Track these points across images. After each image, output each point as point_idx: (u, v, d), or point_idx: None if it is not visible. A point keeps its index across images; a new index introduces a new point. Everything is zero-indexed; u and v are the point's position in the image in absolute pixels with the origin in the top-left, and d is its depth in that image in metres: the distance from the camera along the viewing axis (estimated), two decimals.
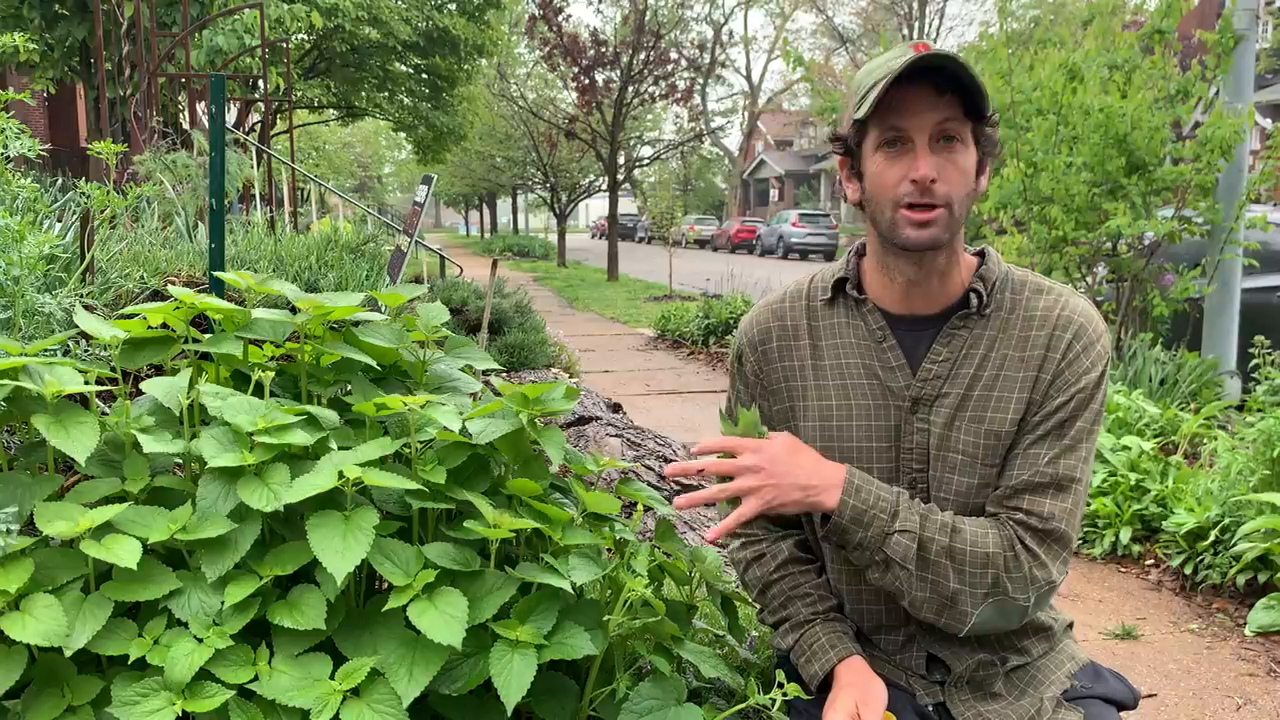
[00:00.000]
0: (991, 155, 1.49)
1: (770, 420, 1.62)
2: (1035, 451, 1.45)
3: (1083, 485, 1.46)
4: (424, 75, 21.63)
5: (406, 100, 22.16)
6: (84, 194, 2.25)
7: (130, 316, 1.68)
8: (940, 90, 1.39)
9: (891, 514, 1.43)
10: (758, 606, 1.69)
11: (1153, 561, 4.14)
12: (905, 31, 37.31)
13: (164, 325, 1.68)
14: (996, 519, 1.46)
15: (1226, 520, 3.83)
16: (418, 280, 7.40)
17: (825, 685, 1.52)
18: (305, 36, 16.96)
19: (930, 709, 1.54)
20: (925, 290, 1.51)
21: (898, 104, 1.40)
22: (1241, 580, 3.70)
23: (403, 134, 25.80)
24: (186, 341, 1.67)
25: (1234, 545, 3.71)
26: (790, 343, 1.61)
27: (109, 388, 1.58)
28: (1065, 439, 1.45)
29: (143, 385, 1.56)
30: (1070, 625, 1.67)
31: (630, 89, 20.94)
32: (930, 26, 38.66)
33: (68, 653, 1.29)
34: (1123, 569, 4.16)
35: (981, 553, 1.41)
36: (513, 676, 1.35)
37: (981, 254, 1.56)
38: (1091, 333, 1.47)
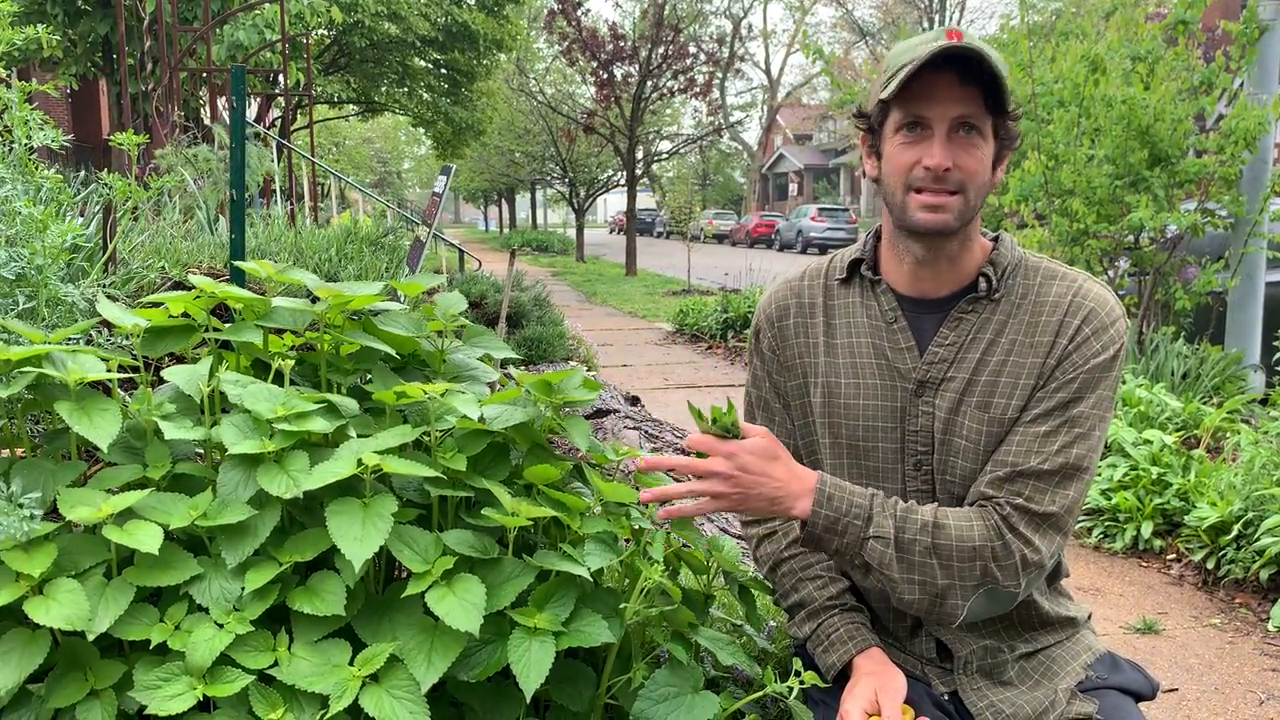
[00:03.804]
0: (1010, 148, 1.49)
1: (786, 396, 1.64)
2: (1037, 430, 1.42)
3: (1089, 475, 1.44)
4: (443, 70, 21.70)
5: (425, 95, 22.24)
6: (107, 185, 2.26)
7: (152, 306, 1.69)
8: (964, 81, 1.39)
9: (866, 519, 1.42)
10: (770, 585, 1.69)
11: (1174, 556, 4.11)
12: (925, 25, 37.04)
13: (185, 314, 1.69)
14: (984, 506, 1.43)
15: (1249, 515, 3.79)
16: (436, 273, 7.42)
17: (842, 675, 1.52)
18: (325, 32, 17.03)
19: (945, 698, 1.53)
20: (934, 273, 1.51)
21: (922, 90, 1.39)
22: (1265, 575, 3.67)
23: (422, 129, 25.91)
24: (207, 330, 1.68)
25: (1257, 540, 3.68)
26: (806, 320, 1.62)
27: (131, 375, 1.59)
28: (1073, 424, 1.42)
29: (164, 373, 1.56)
30: (1088, 617, 1.66)
31: (649, 83, 20.90)
32: (950, 19, 38.41)
33: (90, 637, 1.30)
34: (1144, 563, 4.13)
35: (968, 546, 1.40)
36: (531, 664, 1.35)
37: (996, 239, 1.55)
38: (1104, 317, 1.44)
